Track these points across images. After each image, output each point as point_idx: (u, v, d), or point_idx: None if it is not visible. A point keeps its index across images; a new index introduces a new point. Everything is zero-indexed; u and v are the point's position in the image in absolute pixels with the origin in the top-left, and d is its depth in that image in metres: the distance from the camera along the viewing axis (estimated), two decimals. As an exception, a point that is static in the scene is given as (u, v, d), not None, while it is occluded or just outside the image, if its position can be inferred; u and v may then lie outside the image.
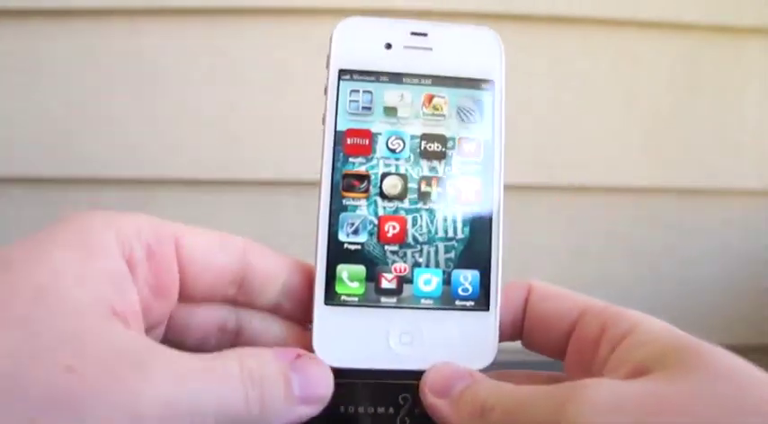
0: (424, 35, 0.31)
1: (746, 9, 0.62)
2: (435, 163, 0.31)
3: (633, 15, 0.62)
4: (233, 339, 0.31)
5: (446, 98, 0.31)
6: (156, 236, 0.27)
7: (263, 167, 0.62)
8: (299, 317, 0.31)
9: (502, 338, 0.30)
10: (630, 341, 0.26)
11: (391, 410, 0.28)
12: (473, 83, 0.31)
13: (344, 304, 0.29)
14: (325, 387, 0.27)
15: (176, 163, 0.62)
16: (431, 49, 0.31)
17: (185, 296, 0.29)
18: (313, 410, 0.26)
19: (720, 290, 0.68)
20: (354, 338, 0.29)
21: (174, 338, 0.30)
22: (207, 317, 0.30)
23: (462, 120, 0.31)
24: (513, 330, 0.31)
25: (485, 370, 0.29)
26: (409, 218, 0.30)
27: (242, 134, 0.61)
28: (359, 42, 0.31)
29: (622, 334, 0.26)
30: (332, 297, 0.29)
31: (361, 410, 0.28)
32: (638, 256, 0.67)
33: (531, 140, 0.63)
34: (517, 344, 0.31)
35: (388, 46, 0.31)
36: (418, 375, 0.28)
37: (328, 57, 0.31)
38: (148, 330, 0.27)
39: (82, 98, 0.61)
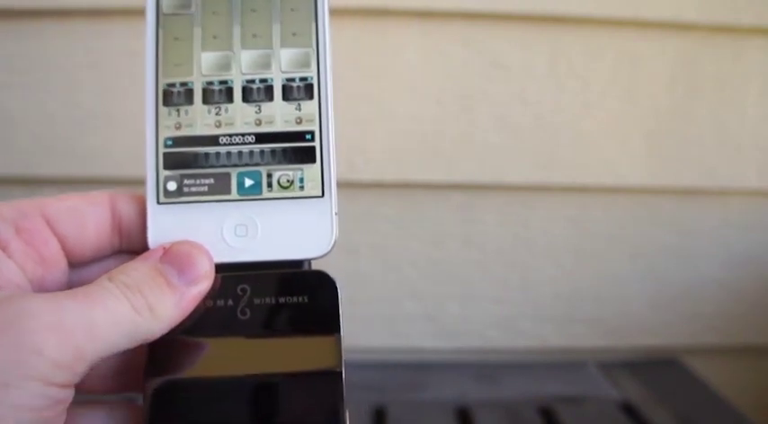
0: None
1: (746, 9, 0.62)
2: (264, 51, 0.30)
3: (633, 15, 0.62)
4: None
5: None
6: (20, 212, 0.27)
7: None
8: None
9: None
10: None
11: (230, 302, 0.28)
12: None
13: (176, 202, 0.29)
14: (201, 261, 0.27)
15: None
16: None
17: (79, 261, 0.29)
18: (205, 284, 0.27)
19: (720, 290, 0.68)
20: (189, 234, 0.29)
21: None
22: (99, 271, 0.29)
23: None
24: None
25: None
26: (237, 113, 0.30)
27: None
28: None
29: None
30: (164, 195, 0.29)
31: (199, 304, 0.28)
32: (638, 256, 0.67)
33: (531, 140, 0.63)
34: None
35: None
36: (255, 266, 0.28)
37: None
38: None
39: (82, 98, 0.61)
